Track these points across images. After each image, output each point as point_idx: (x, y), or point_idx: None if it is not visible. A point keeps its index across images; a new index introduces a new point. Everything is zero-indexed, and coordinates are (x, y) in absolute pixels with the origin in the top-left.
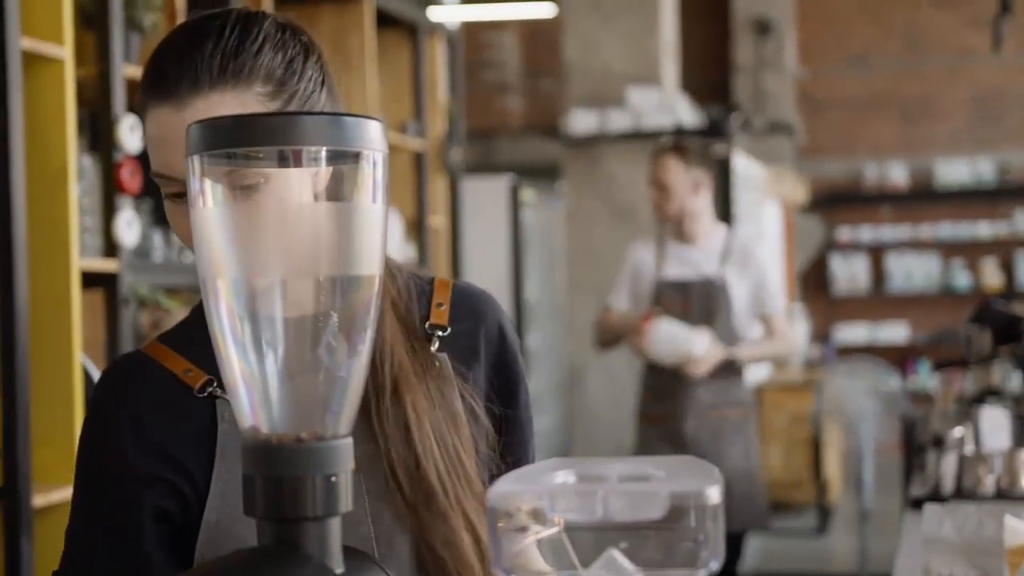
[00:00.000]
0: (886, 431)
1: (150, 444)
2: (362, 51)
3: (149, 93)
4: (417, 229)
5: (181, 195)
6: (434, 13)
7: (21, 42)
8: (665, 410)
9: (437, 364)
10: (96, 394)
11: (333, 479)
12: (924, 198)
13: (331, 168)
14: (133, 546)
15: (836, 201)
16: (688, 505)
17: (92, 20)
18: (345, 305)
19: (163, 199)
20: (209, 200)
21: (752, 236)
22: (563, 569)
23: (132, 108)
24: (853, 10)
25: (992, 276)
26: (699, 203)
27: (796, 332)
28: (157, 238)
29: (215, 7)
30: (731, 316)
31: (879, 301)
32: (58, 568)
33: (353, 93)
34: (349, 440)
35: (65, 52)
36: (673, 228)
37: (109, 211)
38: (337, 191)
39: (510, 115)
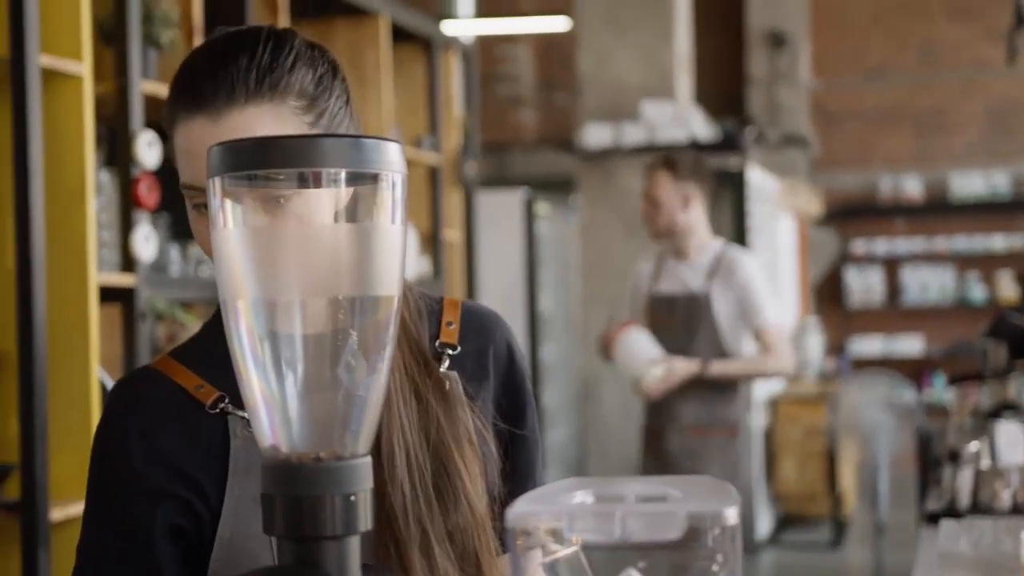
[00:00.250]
0: (901, 444)
1: (161, 459)
2: (377, 66)
3: (181, 105)
4: (432, 243)
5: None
6: (449, 27)
7: (40, 59)
8: (655, 425)
9: (447, 383)
10: (107, 409)
11: (352, 498)
12: (939, 211)
13: (351, 189)
14: (145, 562)
15: (851, 214)
16: (706, 526)
17: (110, 37)
18: (364, 325)
19: (188, 210)
20: (230, 221)
21: (741, 250)
22: None
23: (150, 124)
24: (868, 23)
25: (1007, 289)
26: (690, 218)
27: (789, 349)
28: (174, 253)
29: (232, 24)
30: (716, 331)
31: (894, 314)
32: None
33: (368, 107)
34: (368, 459)
35: (84, 68)
36: (670, 243)
37: (126, 226)
38: (356, 212)
39: (524, 129)
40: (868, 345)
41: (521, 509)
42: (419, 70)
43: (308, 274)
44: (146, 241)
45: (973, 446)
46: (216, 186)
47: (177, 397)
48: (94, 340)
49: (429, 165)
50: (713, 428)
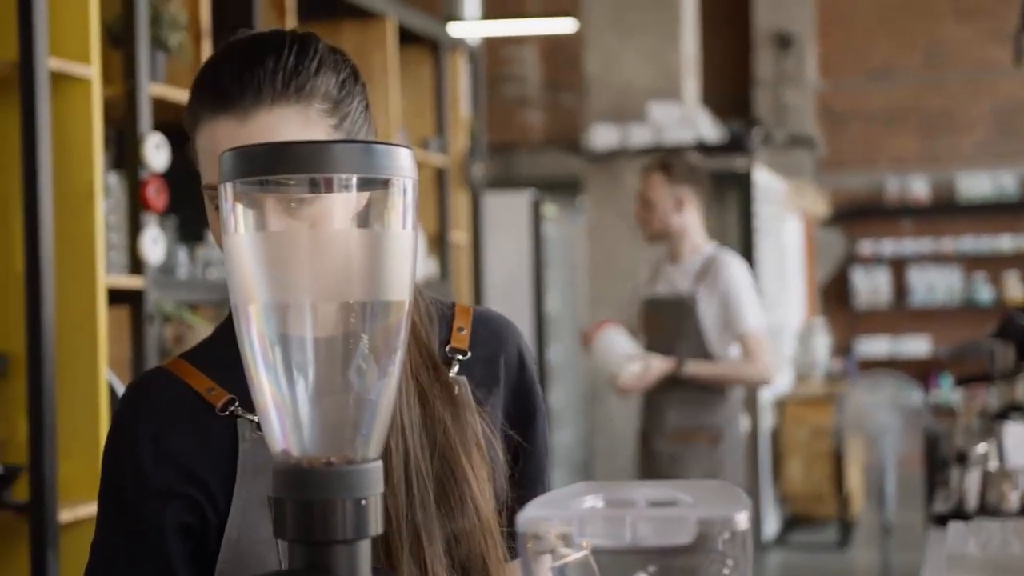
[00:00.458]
0: (908, 445)
1: (171, 460)
2: (384, 67)
3: (206, 106)
4: (439, 244)
5: None
6: (455, 29)
7: (49, 62)
8: (645, 429)
9: (456, 388)
10: (119, 410)
11: (363, 502)
12: (946, 211)
13: (366, 195)
14: (157, 561)
15: (857, 214)
16: (716, 531)
17: (119, 40)
18: (375, 329)
19: (208, 212)
20: (241, 226)
21: (731, 254)
22: None
23: (158, 126)
24: (874, 23)
25: (1015, 289)
26: (684, 220)
27: (770, 356)
28: (182, 255)
29: (239, 27)
30: (701, 334)
31: (901, 315)
32: None
33: (375, 109)
34: (379, 463)
35: (92, 71)
36: (667, 246)
37: (135, 228)
38: (367, 217)
39: (531, 130)
40: (875, 346)
41: (532, 513)
42: (426, 72)
43: (319, 279)
44: (154, 243)
45: (981, 448)
46: (228, 191)
47: (188, 399)
48: (102, 342)
49: (436, 167)
50: (696, 434)
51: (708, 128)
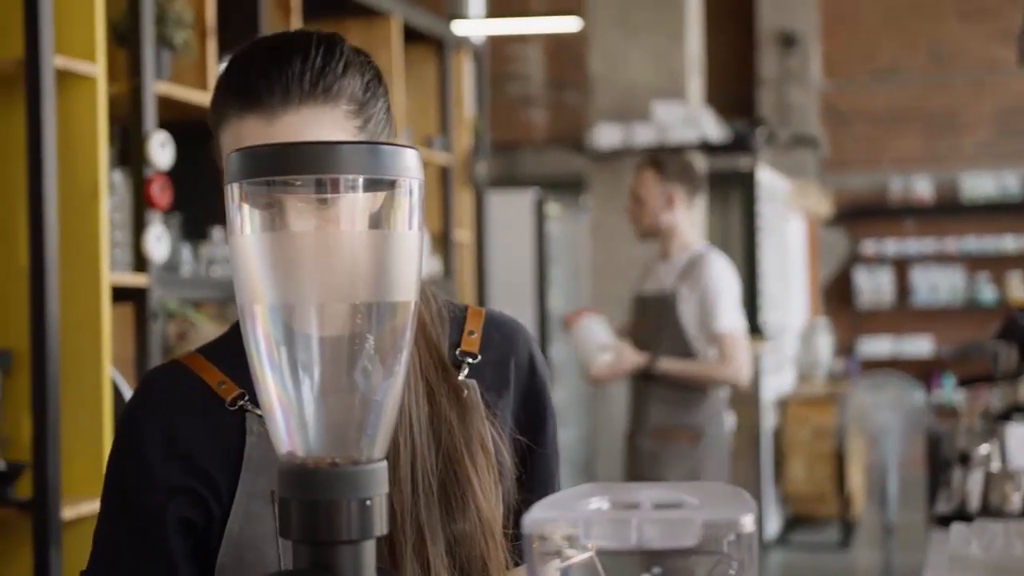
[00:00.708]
0: (910, 445)
1: (177, 453)
2: (389, 66)
3: (232, 105)
4: (443, 243)
5: None
6: (460, 28)
7: (55, 60)
8: (630, 429)
9: (464, 391)
10: (130, 402)
11: (368, 503)
12: (949, 211)
13: (380, 196)
14: (159, 554)
15: (861, 214)
16: (722, 533)
17: (124, 38)
18: (381, 330)
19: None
20: (247, 227)
21: (716, 253)
22: None
23: (163, 124)
24: (878, 23)
25: (1018, 290)
26: (674, 218)
27: (745, 359)
28: (186, 253)
29: (245, 26)
30: (681, 331)
31: (904, 315)
32: (85, 569)
33: None
34: (384, 464)
35: (97, 69)
36: (658, 244)
37: (139, 226)
38: (374, 218)
39: (535, 128)
40: (877, 346)
41: (537, 515)
42: (430, 70)
43: (325, 280)
44: (158, 241)
45: (983, 448)
46: (234, 192)
47: (199, 392)
48: (106, 339)
49: (440, 165)
50: (676, 433)
51: (712, 128)
